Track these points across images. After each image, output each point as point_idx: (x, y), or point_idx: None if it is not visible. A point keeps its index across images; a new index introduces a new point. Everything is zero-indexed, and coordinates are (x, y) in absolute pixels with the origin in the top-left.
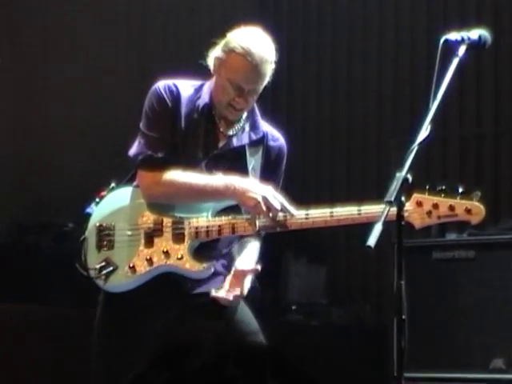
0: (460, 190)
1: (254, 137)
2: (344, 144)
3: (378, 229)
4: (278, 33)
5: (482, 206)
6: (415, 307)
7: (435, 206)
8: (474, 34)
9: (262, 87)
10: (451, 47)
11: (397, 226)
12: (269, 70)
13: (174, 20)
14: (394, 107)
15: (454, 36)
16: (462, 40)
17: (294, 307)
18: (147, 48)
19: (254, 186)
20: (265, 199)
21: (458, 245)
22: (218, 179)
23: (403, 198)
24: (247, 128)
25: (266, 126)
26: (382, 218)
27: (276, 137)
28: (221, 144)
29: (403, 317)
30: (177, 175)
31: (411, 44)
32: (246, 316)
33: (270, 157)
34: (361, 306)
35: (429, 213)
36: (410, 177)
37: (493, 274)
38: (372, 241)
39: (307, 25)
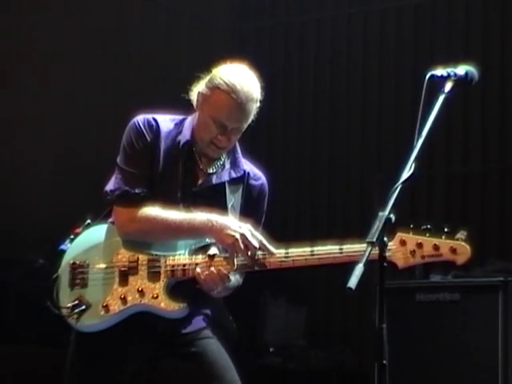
0: (445, 229)
1: (234, 174)
2: (326, 180)
3: (359, 270)
4: (258, 68)
5: (467, 246)
6: (398, 351)
7: (419, 245)
8: (461, 69)
9: (245, 126)
10: (437, 83)
11: (379, 268)
12: (254, 108)
13: (151, 53)
14: (377, 143)
15: (440, 72)
16: (449, 76)
17: (271, 349)
18: (123, 82)
19: (232, 224)
20: (243, 237)
21: (442, 287)
22: (196, 216)
23: (386, 239)
24: (227, 165)
25: (247, 165)
26: (364, 259)
27: (258, 176)
28: (200, 181)
29: (384, 362)
30: (153, 211)
31: (396, 79)
32: (222, 359)
33: (251, 196)
34: (342, 349)
35: (412, 252)
36: (392, 216)
37: (478, 318)
38: (353, 282)
39: (289, 61)
